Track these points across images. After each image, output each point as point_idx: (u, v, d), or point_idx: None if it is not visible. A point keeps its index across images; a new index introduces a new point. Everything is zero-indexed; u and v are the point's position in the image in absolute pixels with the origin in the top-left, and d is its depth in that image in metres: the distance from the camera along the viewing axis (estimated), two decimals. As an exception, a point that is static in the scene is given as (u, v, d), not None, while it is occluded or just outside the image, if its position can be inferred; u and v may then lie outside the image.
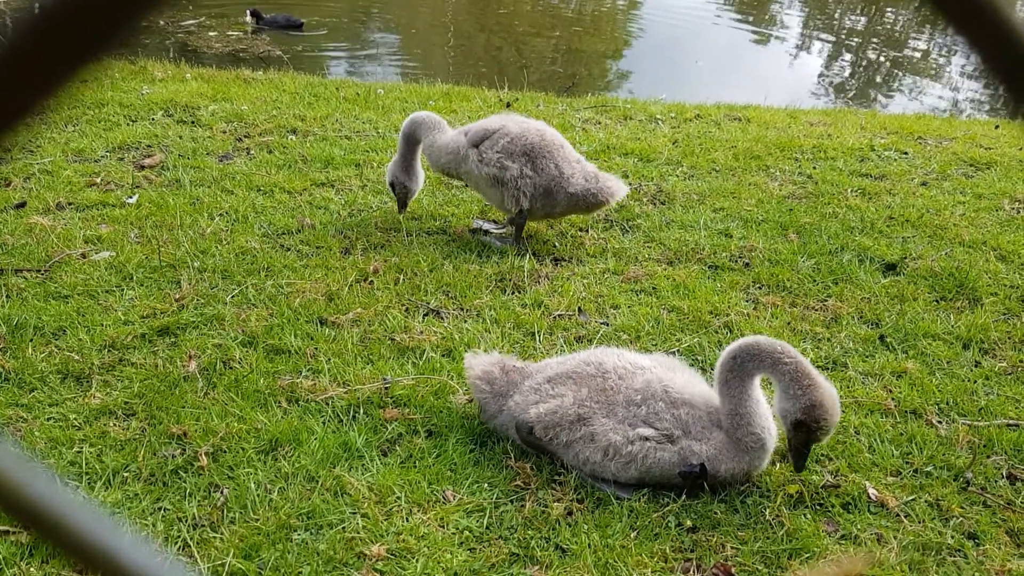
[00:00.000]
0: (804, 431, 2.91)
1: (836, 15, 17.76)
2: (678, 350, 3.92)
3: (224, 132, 6.68)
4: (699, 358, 3.90)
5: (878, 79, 14.07)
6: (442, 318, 4.16)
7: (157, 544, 2.72)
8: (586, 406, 3.06)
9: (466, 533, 2.82)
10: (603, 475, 3.03)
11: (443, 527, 2.83)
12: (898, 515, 2.96)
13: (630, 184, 5.88)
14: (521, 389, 3.20)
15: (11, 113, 0.47)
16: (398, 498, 2.94)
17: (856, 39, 16.42)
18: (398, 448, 3.21)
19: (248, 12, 12.85)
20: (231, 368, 3.67)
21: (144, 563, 0.58)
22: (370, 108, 7.49)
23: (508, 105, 7.80)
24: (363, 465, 3.10)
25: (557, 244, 5.05)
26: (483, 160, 4.78)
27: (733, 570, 2.68)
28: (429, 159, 5.07)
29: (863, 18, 17.63)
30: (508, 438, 3.26)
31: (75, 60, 0.45)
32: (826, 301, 4.46)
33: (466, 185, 5.25)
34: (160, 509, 2.87)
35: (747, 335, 4.05)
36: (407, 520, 2.84)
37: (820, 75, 13.98)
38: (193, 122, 6.88)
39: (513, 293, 4.44)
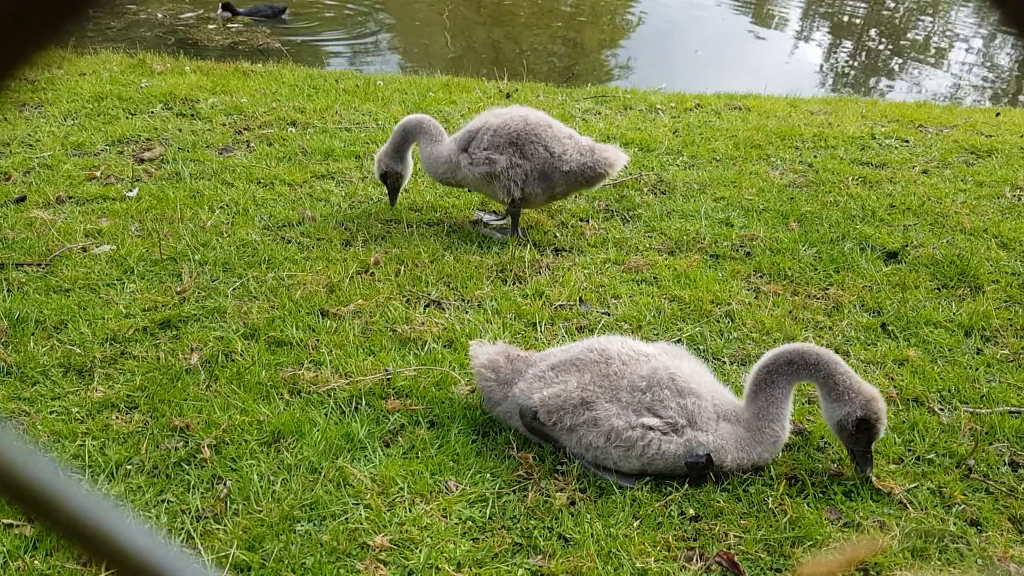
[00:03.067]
0: (867, 428, 2.96)
1: (836, 3, 17.70)
2: (680, 340, 3.92)
3: (224, 125, 6.66)
4: (700, 347, 3.90)
5: (879, 67, 14.03)
6: (443, 309, 4.16)
7: (161, 536, 2.72)
8: (589, 390, 3.06)
9: (469, 523, 2.82)
10: (605, 462, 3.04)
11: (446, 517, 2.84)
12: (901, 502, 2.97)
13: (631, 175, 5.88)
14: (525, 377, 3.20)
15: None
16: (401, 489, 2.94)
17: (856, 27, 16.37)
18: (400, 439, 3.21)
19: (220, 6, 12.48)
20: (233, 360, 3.67)
21: (149, 550, 0.58)
22: (370, 100, 7.48)
23: (508, 96, 7.78)
24: (365, 456, 3.11)
25: (558, 234, 5.04)
26: (473, 161, 4.79)
27: (736, 558, 2.68)
28: (426, 170, 5.06)
29: (863, 6, 17.57)
30: (510, 428, 3.26)
31: (23, 48, 0.44)
32: (827, 289, 4.46)
33: (469, 190, 5.24)
34: (163, 501, 2.88)
35: (748, 322, 4.06)
36: (410, 511, 2.85)
37: (820, 63, 13.94)
38: (192, 115, 6.87)
39: (514, 284, 4.44)
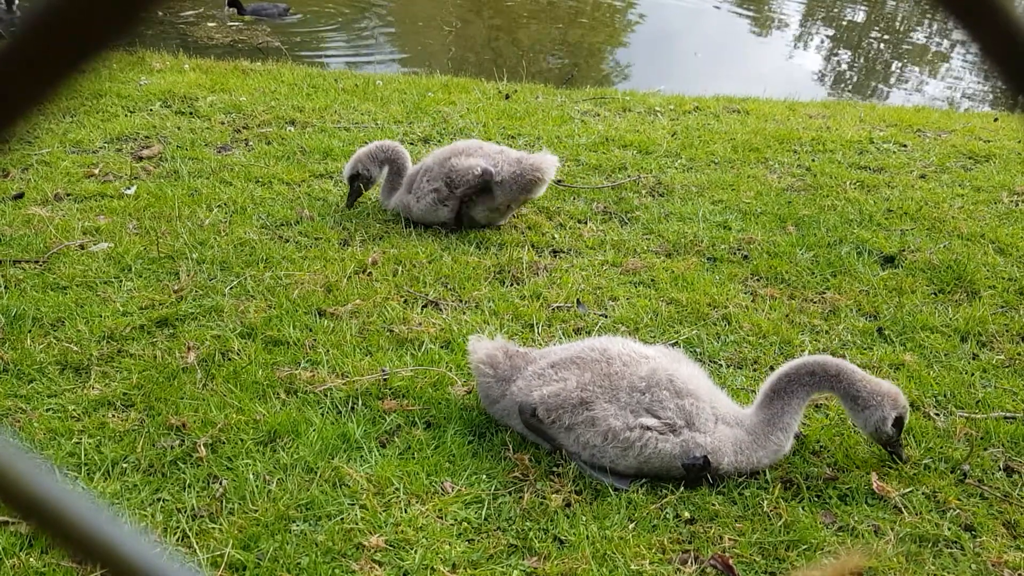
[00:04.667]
0: (899, 422, 3.10)
1: (836, 7, 17.73)
2: (677, 342, 3.93)
3: (222, 123, 6.66)
4: (697, 350, 3.90)
5: (877, 71, 14.05)
6: (441, 310, 4.16)
7: (156, 535, 2.72)
8: (589, 390, 3.07)
9: (464, 524, 2.82)
10: (602, 461, 3.04)
11: (441, 518, 2.84)
12: (896, 507, 2.97)
13: (629, 176, 5.89)
14: (524, 374, 3.20)
15: (20, 105, 0.47)
16: (396, 489, 2.94)
17: (856, 31, 16.39)
18: (396, 439, 3.21)
19: (227, 2, 12.47)
20: (230, 359, 3.67)
21: (142, 554, 0.58)
22: (369, 99, 7.48)
23: (507, 97, 7.79)
24: (362, 456, 3.11)
25: (556, 236, 5.05)
26: (418, 198, 5.04)
27: (731, 561, 2.69)
28: (383, 204, 5.31)
29: (862, 10, 17.59)
30: (507, 429, 3.26)
31: (82, 53, 0.45)
32: (824, 293, 4.46)
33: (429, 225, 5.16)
34: (159, 500, 2.88)
35: (745, 325, 4.06)
36: (405, 511, 2.85)
37: (819, 67, 13.96)
38: (191, 113, 6.87)
39: (512, 285, 4.44)
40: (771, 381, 3.13)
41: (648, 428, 3.00)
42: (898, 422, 3.09)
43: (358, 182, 5.14)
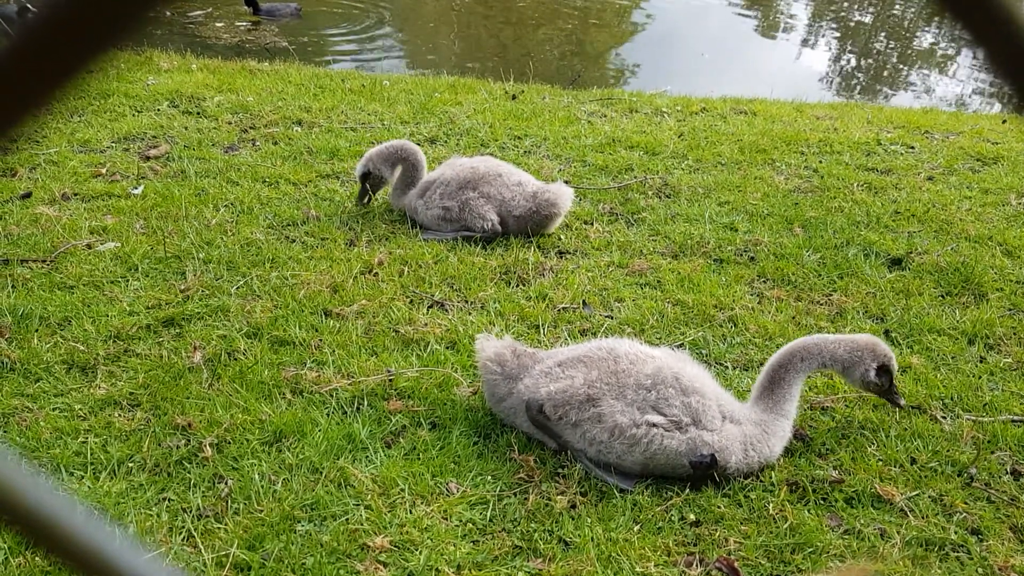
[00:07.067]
0: (886, 372, 3.25)
1: (844, 8, 17.68)
2: (683, 344, 3.92)
3: (230, 123, 6.67)
4: (703, 352, 3.89)
5: (885, 73, 14.01)
6: (446, 310, 4.16)
7: (161, 534, 2.73)
8: (596, 387, 3.08)
9: (469, 525, 2.82)
10: (608, 458, 3.05)
11: (446, 519, 2.84)
12: (902, 510, 2.96)
13: (635, 177, 5.88)
14: (532, 373, 3.22)
15: (22, 105, 0.47)
16: (402, 490, 2.94)
17: (863, 32, 16.35)
18: (402, 440, 3.22)
19: (244, 2, 12.58)
20: (236, 359, 3.67)
21: (136, 565, 0.58)
22: (376, 100, 7.48)
23: (514, 98, 7.79)
24: (367, 457, 3.11)
25: (562, 237, 5.04)
26: (428, 207, 5.05)
27: (736, 564, 2.68)
28: (392, 202, 5.31)
29: (870, 11, 17.54)
30: (512, 430, 3.26)
31: (85, 52, 0.45)
32: (831, 295, 4.45)
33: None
34: (164, 500, 2.88)
35: (751, 327, 4.05)
36: (410, 512, 2.85)
37: (827, 69, 13.92)
38: (199, 113, 6.88)
39: (518, 286, 4.44)
40: (766, 373, 3.23)
41: (654, 425, 3.01)
42: (884, 370, 3.23)
43: (368, 181, 5.15)
